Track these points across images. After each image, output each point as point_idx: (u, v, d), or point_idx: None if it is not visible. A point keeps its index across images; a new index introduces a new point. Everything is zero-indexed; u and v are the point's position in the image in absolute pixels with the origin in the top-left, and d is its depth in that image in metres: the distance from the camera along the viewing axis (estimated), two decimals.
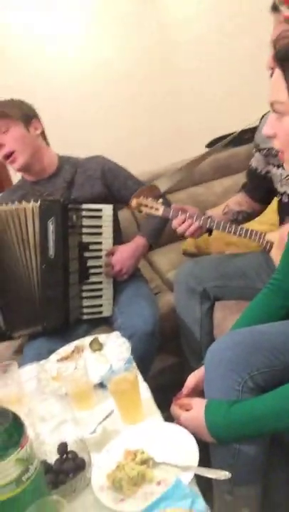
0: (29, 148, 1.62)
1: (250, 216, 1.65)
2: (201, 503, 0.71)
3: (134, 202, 1.54)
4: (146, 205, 1.52)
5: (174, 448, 0.84)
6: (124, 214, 2.15)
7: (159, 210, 1.50)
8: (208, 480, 0.86)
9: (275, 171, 1.48)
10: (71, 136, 2.61)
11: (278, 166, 1.46)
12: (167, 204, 1.56)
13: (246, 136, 2.12)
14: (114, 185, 1.73)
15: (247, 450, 0.94)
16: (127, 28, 3.15)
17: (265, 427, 0.89)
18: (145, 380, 1.49)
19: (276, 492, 1.03)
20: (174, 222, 1.49)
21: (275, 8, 1.20)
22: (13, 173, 2.80)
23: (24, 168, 1.65)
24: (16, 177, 2.74)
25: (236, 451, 0.94)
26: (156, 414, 0.97)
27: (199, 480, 0.85)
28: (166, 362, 1.83)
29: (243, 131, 2.06)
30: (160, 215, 1.51)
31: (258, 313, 1.13)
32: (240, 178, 2.25)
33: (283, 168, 1.43)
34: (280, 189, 1.47)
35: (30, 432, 0.89)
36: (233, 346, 0.98)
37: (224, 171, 2.35)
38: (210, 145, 2.40)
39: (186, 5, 2.73)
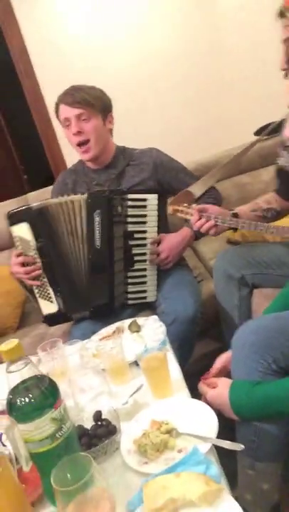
0: (102, 141, 1.73)
1: (279, 214, 1.66)
2: (214, 469, 0.78)
3: (170, 209, 1.62)
4: (181, 211, 1.60)
5: (197, 421, 0.91)
6: None
7: (189, 214, 1.57)
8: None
9: None
10: (124, 125, 2.71)
11: None
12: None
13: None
14: (165, 178, 1.80)
15: (268, 429, 1.00)
16: (179, 19, 3.18)
17: (285, 409, 0.94)
18: (187, 363, 1.60)
19: None
20: (192, 220, 1.56)
21: (281, 15, 1.22)
22: (67, 155, 2.96)
23: (92, 159, 1.76)
24: (69, 160, 2.89)
25: (258, 429, 1.01)
26: (184, 391, 1.04)
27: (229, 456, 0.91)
28: (209, 347, 1.89)
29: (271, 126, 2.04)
30: (190, 218, 1.57)
31: (286, 300, 1.17)
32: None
33: None
34: None
35: (70, 400, 1.02)
36: (257, 330, 1.03)
37: (271, 158, 2.33)
38: (258, 133, 2.38)
39: None
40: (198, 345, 1.69)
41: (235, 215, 1.58)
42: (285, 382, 0.95)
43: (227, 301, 1.62)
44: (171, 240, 1.71)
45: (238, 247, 1.68)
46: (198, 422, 0.91)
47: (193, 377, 1.15)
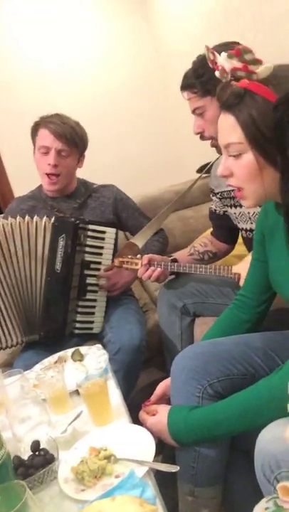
0: (70, 177, 1.80)
1: (215, 255, 1.77)
2: (150, 492, 0.79)
3: (116, 261, 1.66)
4: (127, 262, 1.64)
5: (135, 446, 0.92)
6: (122, 237, 2.27)
7: (138, 264, 1.62)
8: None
9: (230, 211, 1.62)
10: None
11: (233, 206, 1.59)
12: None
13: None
14: (123, 214, 1.88)
15: (207, 453, 1.02)
16: (135, 57, 3.36)
17: (220, 431, 0.97)
18: (131, 392, 1.60)
19: (236, 494, 1.09)
20: (139, 272, 1.61)
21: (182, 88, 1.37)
22: (14, 185, 2.97)
23: (56, 191, 1.79)
24: (17, 189, 2.89)
25: (197, 454, 1.02)
26: (125, 417, 1.05)
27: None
28: (153, 376, 1.91)
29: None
30: (139, 268, 1.62)
31: (224, 327, 1.22)
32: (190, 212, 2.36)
33: (236, 207, 1.56)
34: (239, 226, 1.60)
35: (8, 431, 1.00)
36: (194, 356, 1.07)
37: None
38: (200, 170, 2.51)
39: (186, 36, 2.90)
40: (142, 374, 1.71)
41: (174, 261, 1.67)
42: (218, 406, 0.98)
43: (170, 330, 1.65)
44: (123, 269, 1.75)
45: (180, 278, 1.74)
46: (136, 447, 0.92)
47: (138, 408, 1.16)
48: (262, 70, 0.85)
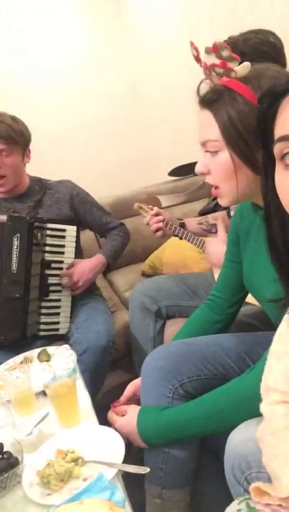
0: (18, 176, 1.71)
1: None
2: (119, 495, 0.76)
3: (135, 205, 1.74)
4: (141, 208, 1.74)
5: (104, 448, 0.90)
6: (87, 235, 2.24)
7: (148, 212, 1.71)
8: None
9: None
10: (46, 157, 2.73)
11: None
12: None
13: None
14: (80, 210, 1.82)
15: (176, 454, 1.00)
16: (103, 61, 3.36)
17: (190, 431, 0.96)
18: (98, 393, 1.57)
19: (204, 496, 1.08)
20: (146, 219, 1.70)
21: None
22: None
23: (6, 193, 1.72)
24: None
25: (166, 455, 1.01)
26: (93, 418, 1.02)
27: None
28: (120, 378, 1.88)
29: None
30: (148, 218, 1.71)
31: (195, 327, 1.22)
32: (199, 204, 2.37)
33: None
34: None
35: None
36: (165, 356, 1.06)
37: (184, 197, 2.46)
38: (172, 173, 2.52)
39: (156, 39, 2.91)
40: (109, 376, 1.68)
41: (182, 225, 1.70)
42: (188, 406, 0.97)
43: (142, 333, 1.64)
44: (83, 265, 1.72)
45: (153, 279, 1.73)
46: (105, 449, 0.89)
47: (104, 409, 1.13)
48: (240, 68, 0.85)
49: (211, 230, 1.75)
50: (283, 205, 0.54)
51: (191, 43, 0.89)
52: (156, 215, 1.66)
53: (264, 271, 0.96)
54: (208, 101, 0.87)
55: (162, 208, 1.81)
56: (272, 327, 0.80)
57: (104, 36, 3.40)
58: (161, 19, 2.78)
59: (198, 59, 0.88)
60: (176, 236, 1.72)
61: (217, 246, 1.46)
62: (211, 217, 1.78)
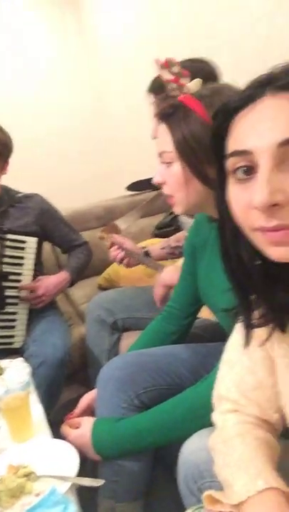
0: None
1: None
2: (72, 509, 0.75)
3: (98, 234, 1.71)
4: (103, 238, 1.69)
5: (57, 462, 0.88)
6: (45, 248, 2.21)
7: (108, 242, 1.68)
8: None
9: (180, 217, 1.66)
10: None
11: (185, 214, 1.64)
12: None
13: None
14: (48, 225, 1.81)
15: (130, 466, 1.00)
16: (63, 77, 3.40)
17: (145, 442, 0.96)
18: (53, 408, 1.54)
19: (157, 509, 1.08)
20: (110, 253, 1.67)
21: (150, 90, 1.40)
22: None
23: None
24: None
25: (120, 468, 1.00)
26: (46, 432, 1.00)
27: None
28: (75, 392, 1.85)
29: None
30: (108, 244, 1.68)
31: (151, 338, 1.23)
32: (155, 219, 2.40)
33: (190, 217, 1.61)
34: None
35: None
36: (121, 367, 1.06)
37: (137, 213, 2.48)
38: (130, 187, 2.55)
39: (121, 57, 2.96)
40: (64, 390, 1.65)
41: (147, 253, 1.70)
42: (143, 416, 0.97)
43: (98, 346, 1.63)
44: (49, 281, 1.71)
45: (110, 292, 1.73)
46: (58, 463, 0.88)
47: (59, 424, 1.11)
48: (192, 85, 0.89)
49: (174, 253, 1.78)
50: (234, 216, 0.57)
51: (155, 61, 0.92)
52: (112, 244, 1.66)
53: (218, 282, 0.99)
54: (164, 115, 0.90)
55: (122, 231, 1.81)
56: (222, 339, 0.83)
57: (70, 53, 3.44)
58: (126, 38, 2.83)
59: (161, 75, 0.91)
60: (143, 264, 1.71)
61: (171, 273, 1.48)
62: (172, 240, 1.80)
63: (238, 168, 0.54)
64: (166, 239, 1.84)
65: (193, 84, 0.89)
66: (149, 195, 2.50)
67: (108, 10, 2.96)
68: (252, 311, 0.66)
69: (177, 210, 0.97)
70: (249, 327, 0.68)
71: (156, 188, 2.25)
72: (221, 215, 0.62)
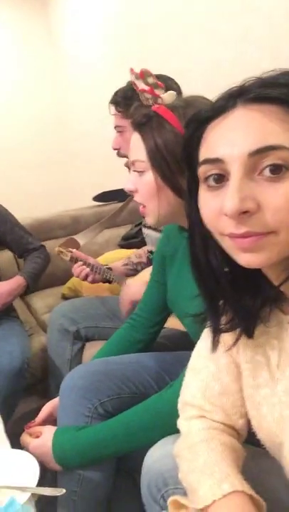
0: None
1: (148, 266, 1.77)
2: None
3: (56, 249, 1.70)
4: (62, 252, 1.68)
5: (16, 472, 0.85)
6: (5, 256, 2.17)
7: (67, 256, 1.67)
8: None
9: (143, 230, 1.68)
10: None
11: (145, 226, 1.65)
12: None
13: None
14: (0, 228, 1.77)
15: (91, 476, 0.98)
16: (29, 89, 3.41)
17: (108, 450, 0.94)
18: (10, 420, 1.49)
19: None
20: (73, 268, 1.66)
21: (112, 102, 1.43)
22: None
23: None
24: None
25: (81, 477, 0.98)
26: (4, 442, 0.96)
27: None
28: (35, 404, 1.80)
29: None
30: (68, 259, 1.67)
31: (116, 346, 1.22)
32: (122, 230, 2.41)
33: (146, 228, 1.62)
34: (147, 247, 1.65)
35: None
36: (86, 375, 1.04)
37: (98, 228, 2.48)
38: (97, 198, 2.55)
39: (89, 70, 2.98)
40: (23, 402, 1.60)
41: (109, 269, 1.69)
42: (106, 424, 0.95)
43: (59, 355, 1.59)
44: (2, 288, 1.66)
45: (73, 301, 1.71)
46: (18, 473, 0.85)
47: (17, 436, 1.07)
48: (166, 96, 0.91)
49: (136, 269, 1.78)
50: (204, 222, 0.58)
51: (131, 70, 0.94)
52: (75, 261, 1.65)
53: (187, 289, 1.00)
54: (138, 124, 0.91)
55: (80, 247, 1.80)
56: (186, 349, 0.84)
57: (36, 62, 3.45)
58: (93, 50, 2.86)
59: (134, 84, 0.92)
60: (106, 281, 1.71)
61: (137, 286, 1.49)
62: (134, 256, 1.82)
63: (209, 176, 0.55)
64: (126, 257, 1.85)
65: (168, 96, 0.91)
66: (116, 206, 2.51)
67: (75, 19, 2.99)
68: (220, 317, 0.67)
69: (149, 220, 0.96)
70: (217, 332, 0.69)
71: (123, 199, 2.28)
72: (191, 222, 0.63)
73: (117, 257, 1.97)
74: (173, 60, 2.09)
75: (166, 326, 1.27)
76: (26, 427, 1.06)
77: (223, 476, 0.63)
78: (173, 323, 1.28)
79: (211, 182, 0.55)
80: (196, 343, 0.82)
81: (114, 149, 1.55)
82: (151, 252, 1.60)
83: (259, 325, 0.66)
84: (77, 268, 1.63)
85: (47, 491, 0.79)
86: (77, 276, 1.65)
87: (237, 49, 1.73)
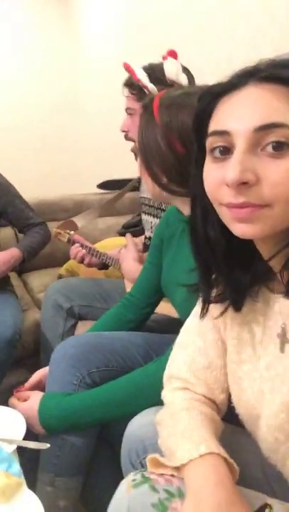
0: None
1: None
2: (15, 467, 0.77)
3: (54, 230, 1.75)
4: (60, 233, 1.74)
5: (5, 426, 0.89)
6: (6, 232, 2.20)
7: (65, 238, 1.73)
8: None
9: (142, 216, 1.71)
10: None
11: (144, 213, 1.68)
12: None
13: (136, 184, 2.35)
14: (1, 199, 1.76)
15: (73, 441, 1.02)
16: (50, 71, 3.44)
17: (92, 417, 0.98)
18: None
19: (95, 488, 1.10)
20: (70, 249, 1.70)
21: (126, 84, 1.46)
22: None
23: None
24: None
25: (63, 441, 1.02)
26: None
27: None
28: (24, 376, 1.83)
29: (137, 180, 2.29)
30: (65, 241, 1.73)
31: (109, 323, 1.25)
32: (122, 219, 2.44)
33: (145, 214, 1.66)
34: (146, 233, 1.69)
35: None
36: (77, 345, 1.08)
37: (109, 211, 2.52)
38: (101, 185, 2.58)
39: (103, 58, 3.01)
40: (12, 374, 1.64)
41: (97, 251, 1.70)
42: (92, 392, 1.00)
43: (52, 330, 1.62)
44: None
45: (69, 280, 1.74)
46: (5, 427, 0.89)
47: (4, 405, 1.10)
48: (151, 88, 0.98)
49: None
50: (207, 191, 0.62)
51: (125, 65, 0.99)
52: (73, 243, 1.69)
53: (179, 275, 1.04)
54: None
55: (79, 229, 1.82)
56: (173, 333, 0.87)
57: (52, 45, 3.48)
58: (109, 38, 2.89)
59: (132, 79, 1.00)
60: (103, 265, 1.74)
61: (130, 265, 1.52)
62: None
63: (215, 148, 0.59)
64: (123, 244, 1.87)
65: (152, 89, 0.98)
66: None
67: (96, 8, 3.02)
68: (212, 288, 0.71)
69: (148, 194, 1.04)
70: (207, 301, 0.72)
71: (122, 193, 2.30)
72: (194, 194, 0.67)
73: (116, 244, 2.00)
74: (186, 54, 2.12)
75: (156, 311, 1.31)
76: (15, 390, 1.10)
77: (200, 440, 0.66)
78: (163, 308, 1.32)
79: (217, 153, 0.59)
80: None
81: (123, 131, 1.57)
82: (149, 238, 1.63)
83: (248, 301, 0.70)
84: (74, 249, 1.67)
85: (32, 445, 0.84)
86: (74, 258, 1.68)
87: (250, 47, 1.76)
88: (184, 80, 1.30)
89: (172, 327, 1.23)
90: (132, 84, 1.44)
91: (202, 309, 0.74)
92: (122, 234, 2.28)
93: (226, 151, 0.58)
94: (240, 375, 0.74)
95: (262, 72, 0.56)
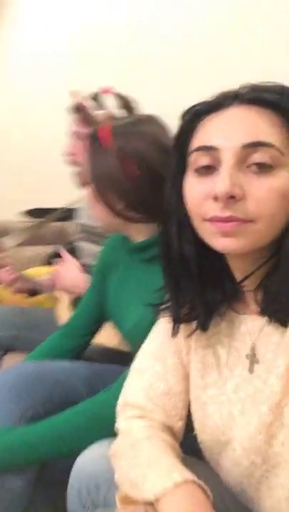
0: None
1: None
2: None
3: None
4: None
5: None
6: None
7: None
8: None
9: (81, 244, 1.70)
10: None
11: (88, 241, 1.66)
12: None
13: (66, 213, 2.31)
14: None
15: (10, 482, 0.92)
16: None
17: (32, 455, 0.90)
18: None
19: None
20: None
21: (72, 110, 1.47)
22: None
23: None
24: None
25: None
26: None
27: None
28: None
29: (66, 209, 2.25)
30: None
31: (48, 352, 1.18)
32: (50, 248, 2.38)
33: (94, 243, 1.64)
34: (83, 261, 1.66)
35: None
36: (18, 376, 1.00)
37: (37, 240, 2.45)
38: (28, 213, 2.52)
39: (32, 90, 2.99)
40: None
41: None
42: (37, 426, 0.91)
43: None
44: None
45: None
46: None
47: None
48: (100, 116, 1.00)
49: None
50: (188, 206, 0.62)
51: (72, 93, 1.01)
52: (3, 266, 1.62)
53: (128, 299, 1.02)
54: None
55: (6, 250, 1.76)
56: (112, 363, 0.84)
57: None
58: (41, 74, 2.89)
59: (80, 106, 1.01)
60: (33, 292, 1.68)
61: (76, 275, 1.46)
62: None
63: (199, 164, 0.60)
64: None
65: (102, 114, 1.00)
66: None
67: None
68: (182, 307, 0.71)
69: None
70: (178, 321, 0.71)
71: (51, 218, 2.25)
72: (167, 210, 0.67)
73: (43, 273, 1.93)
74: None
75: (95, 341, 1.26)
76: None
77: (171, 468, 0.62)
78: (101, 337, 1.28)
79: (201, 169, 0.60)
80: (134, 352, 0.83)
81: (68, 155, 1.52)
82: (86, 265, 1.59)
83: (212, 323, 0.70)
84: (3, 273, 1.59)
85: None
86: (2, 282, 1.60)
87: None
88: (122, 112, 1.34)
89: (110, 358, 1.20)
90: (81, 110, 1.44)
91: (173, 329, 0.73)
92: (51, 264, 2.21)
93: (210, 167, 0.59)
94: (205, 400, 0.72)
95: (245, 96, 0.59)
